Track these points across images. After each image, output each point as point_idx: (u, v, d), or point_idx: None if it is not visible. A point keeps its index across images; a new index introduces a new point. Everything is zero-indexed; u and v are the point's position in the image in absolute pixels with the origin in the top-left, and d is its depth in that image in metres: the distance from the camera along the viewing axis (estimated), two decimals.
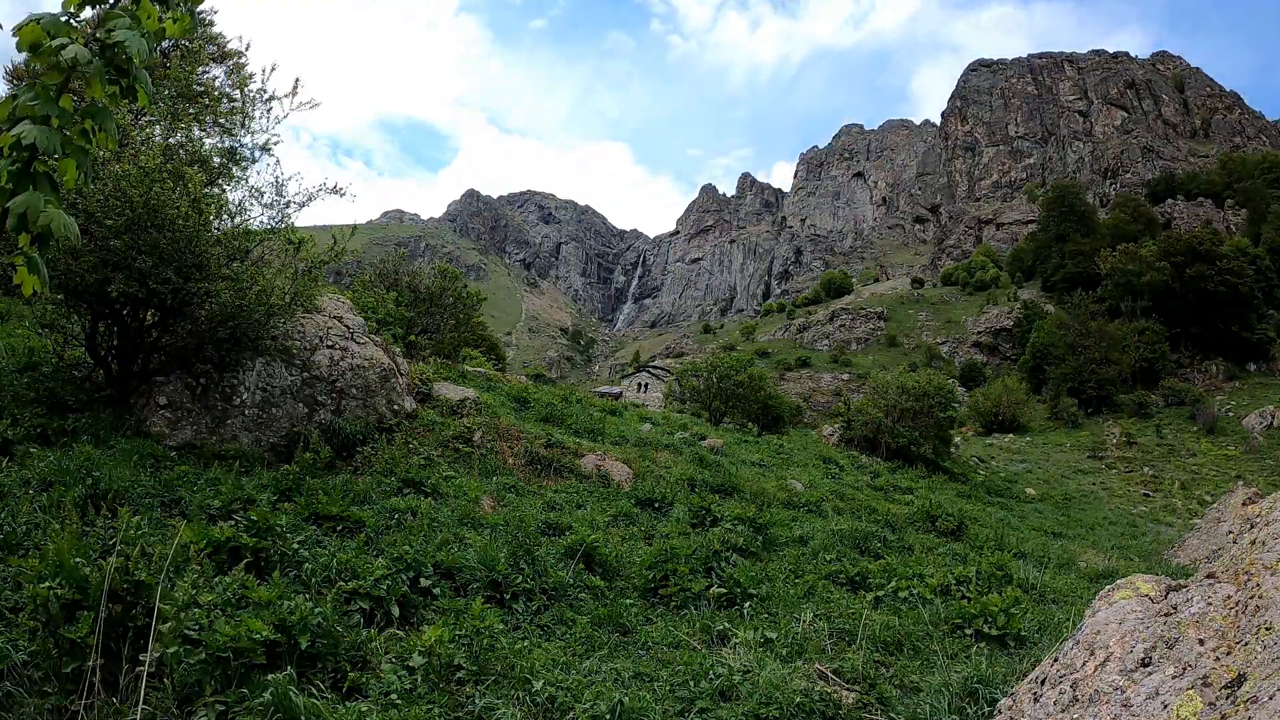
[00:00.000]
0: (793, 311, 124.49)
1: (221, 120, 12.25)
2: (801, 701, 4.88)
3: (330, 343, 12.72)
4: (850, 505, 16.68)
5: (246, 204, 11.51)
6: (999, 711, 3.97)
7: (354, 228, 12.18)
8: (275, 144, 11.75)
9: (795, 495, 16.00)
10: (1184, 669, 3.04)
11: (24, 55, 2.27)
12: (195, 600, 4.63)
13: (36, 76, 2.35)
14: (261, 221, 11.70)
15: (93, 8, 2.32)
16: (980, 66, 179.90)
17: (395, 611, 5.86)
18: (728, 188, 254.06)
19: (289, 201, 11.74)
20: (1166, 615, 3.43)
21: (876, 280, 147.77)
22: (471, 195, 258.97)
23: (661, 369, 79.45)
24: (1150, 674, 3.14)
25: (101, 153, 9.07)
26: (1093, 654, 3.51)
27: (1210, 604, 3.29)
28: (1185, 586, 3.61)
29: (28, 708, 3.91)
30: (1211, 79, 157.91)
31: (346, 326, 13.40)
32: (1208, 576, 3.56)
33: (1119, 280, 69.07)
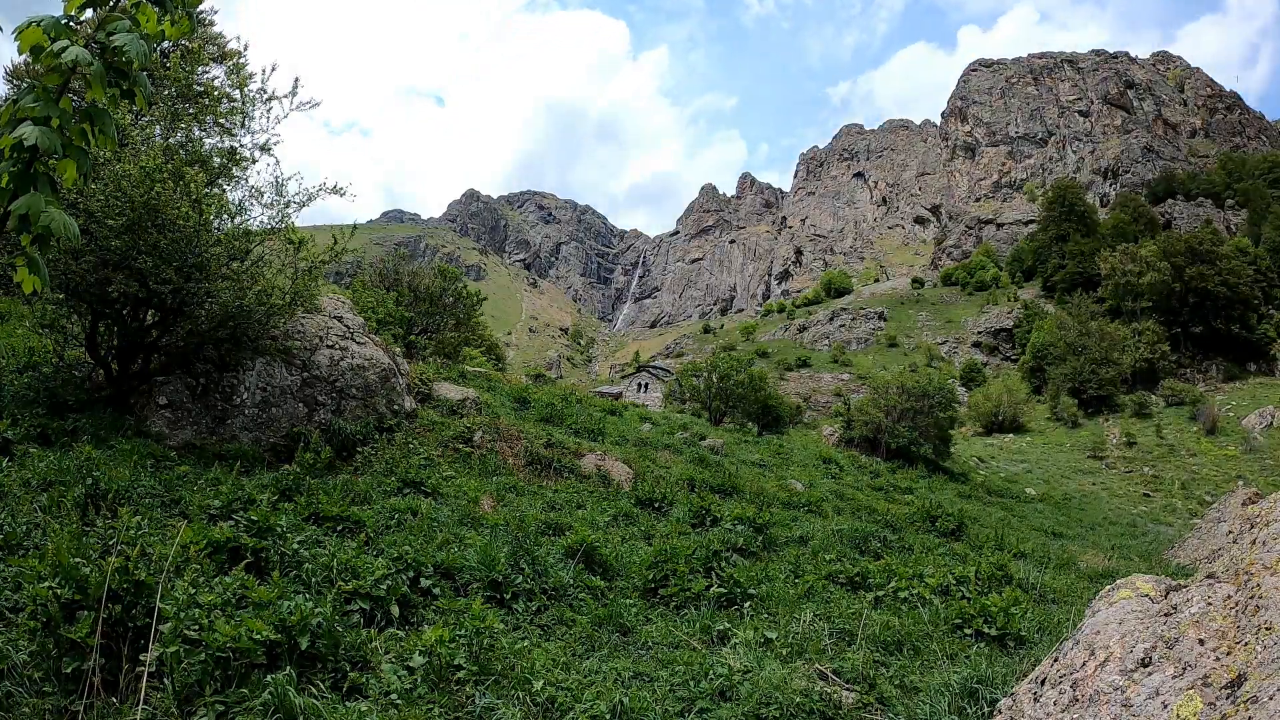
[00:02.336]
0: (793, 311, 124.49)
1: (221, 120, 12.26)
2: (801, 701, 4.88)
3: (330, 343, 12.73)
4: (850, 505, 16.69)
5: (246, 204, 11.52)
6: (999, 711, 3.97)
7: (354, 227, 12.18)
8: (275, 144, 11.75)
9: (795, 495, 16.00)
10: (1184, 669, 3.04)
11: (24, 55, 2.28)
12: (195, 600, 4.63)
13: (37, 77, 2.35)
14: (261, 221, 11.70)
15: (93, 10, 2.32)
16: (980, 66, 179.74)
17: (395, 611, 5.86)
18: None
19: (289, 201, 11.74)
20: (1167, 615, 3.43)
21: (876, 280, 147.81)
22: (471, 195, 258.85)
23: (661, 369, 79.45)
24: (1150, 674, 3.14)
25: (102, 153, 9.07)
26: (1093, 654, 3.51)
27: (1210, 604, 3.29)
28: (1185, 586, 3.61)
29: (27, 708, 3.91)
30: (1211, 79, 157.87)
31: (346, 326, 13.40)
32: (1208, 576, 3.56)
33: (1119, 280, 69.04)
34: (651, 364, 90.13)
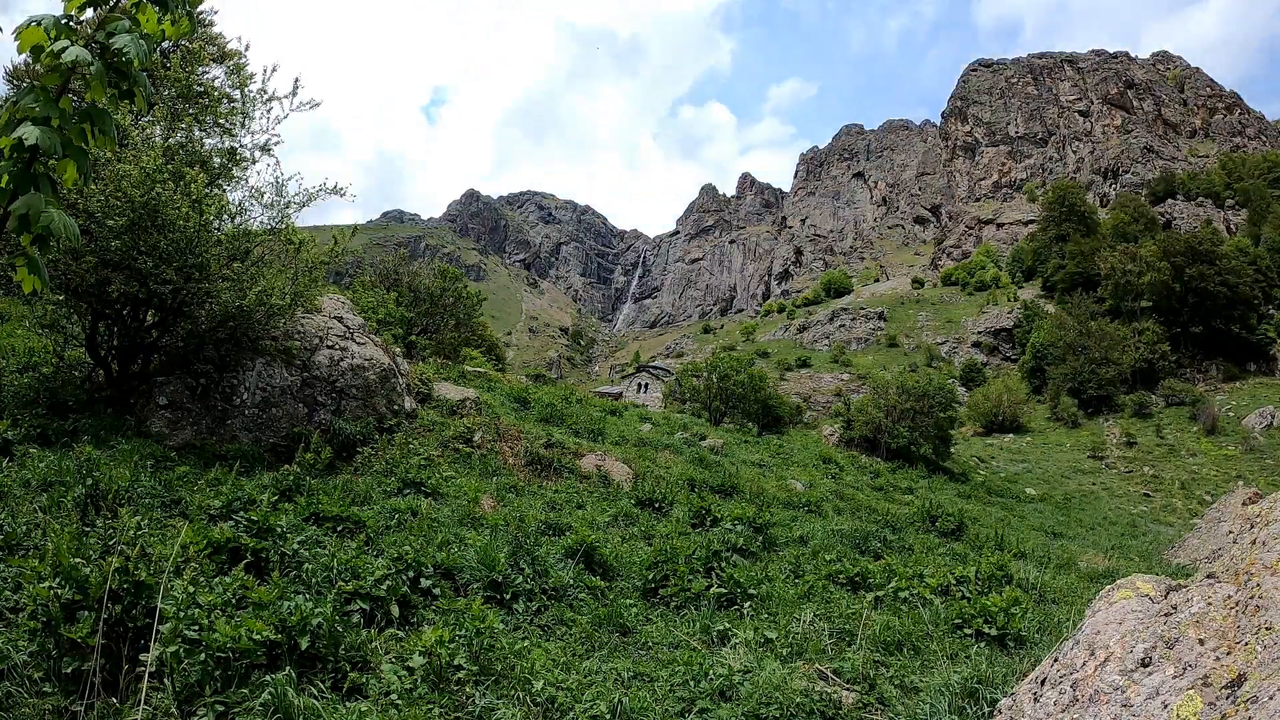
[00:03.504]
0: (793, 311, 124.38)
1: (222, 120, 12.25)
2: (801, 701, 4.88)
3: (330, 343, 12.73)
4: (850, 505, 16.69)
5: (247, 204, 11.52)
6: (999, 711, 3.97)
7: (354, 228, 12.20)
8: (276, 144, 11.75)
9: (795, 495, 16.00)
10: (1184, 669, 3.04)
11: (24, 55, 2.28)
12: (195, 600, 4.63)
13: (37, 77, 2.35)
14: (261, 222, 11.70)
15: (93, 10, 2.32)
16: (980, 66, 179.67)
17: (395, 612, 5.86)
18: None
19: (289, 202, 11.74)
20: (1166, 615, 3.43)
21: (876, 280, 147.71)
22: (471, 195, 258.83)
23: (661, 369, 79.43)
24: (1150, 674, 3.14)
25: (102, 153, 9.07)
26: (1093, 654, 3.51)
27: (1210, 604, 3.29)
28: (1185, 586, 3.61)
29: (28, 708, 3.91)
30: (1211, 79, 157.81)
31: (346, 326, 13.40)
32: (1208, 576, 3.56)
33: (1119, 280, 68.96)
34: (651, 364, 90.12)
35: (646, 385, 72.52)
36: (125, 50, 2.22)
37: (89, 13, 2.33)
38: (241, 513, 6.95)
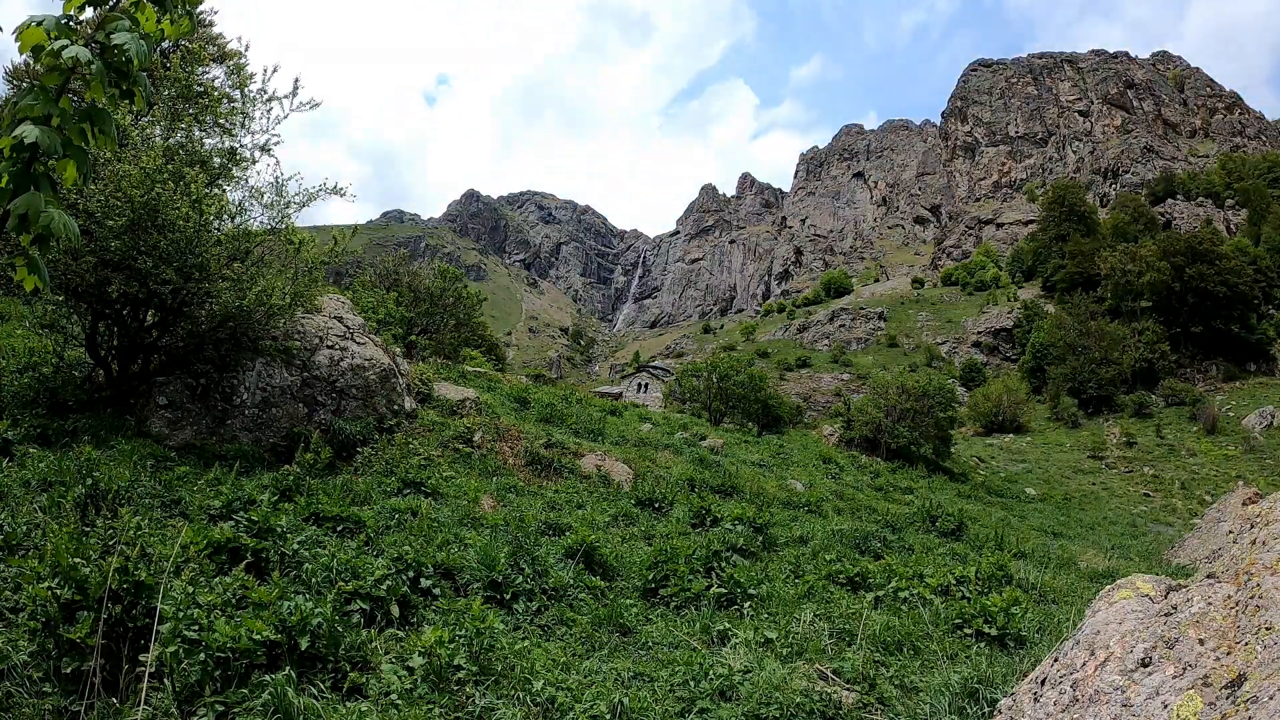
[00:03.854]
0: (793, 311, 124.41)
1: (222, 121, 12.25)
2: (801, 701, 4.88)
3: (330, 343, 12.73)
4: (850, 505, 16.70)
5: (247, 204, 11.53)
6: (999, 711, 3.96)
7: (354, 228, 12.20)
8: (275, 144, 11.75)
9: (795, 495, 16.01)
10: (1184, 669, 3.04)
11: (24, 55, 2.28)
12: (195, 600, 4.63)
13: (37, 77, 2.35)
14: (261, 222, 11.71)
15: (93, 9, 2.32)
16: (980, 66, 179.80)
17: (395, 612, 5.86)
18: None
19: (289, 202, 11.75)
20: (1167, 615, 3.43)
21: (876, 280, 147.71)
22: (471, 195, 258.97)
23: (661, 369, 79.41)
24: (1150, 674, 3.14)
25: (102, 153, 9.07)
26: (1093, 654, 3.51)
27: (1210, 604, 3.29)
28: (1185, 586, 3.60)
29: (28, 708, 3.91)
30: (1211, 79, 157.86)
31: (346, 326, 13.40)
32: (1208, 576, 3.56)
33: (1119, 280, 68.98)
34: (651, 364, 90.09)
35: (646, 385, 72.52)
36: (125, 48, 2.22)
37: (88, 12, 2.33)
38: (241, 513, 6.96)
